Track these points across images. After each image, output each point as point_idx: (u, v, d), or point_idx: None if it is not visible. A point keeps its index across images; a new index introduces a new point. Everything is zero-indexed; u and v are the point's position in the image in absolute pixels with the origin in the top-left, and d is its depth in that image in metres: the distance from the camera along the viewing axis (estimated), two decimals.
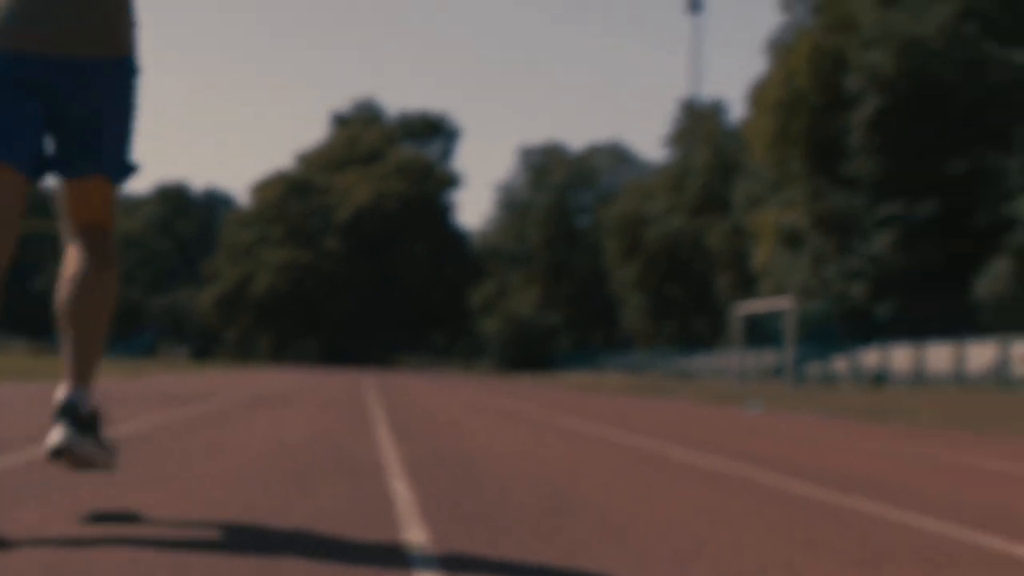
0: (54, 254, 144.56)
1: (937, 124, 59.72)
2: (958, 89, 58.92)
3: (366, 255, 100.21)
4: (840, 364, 54.51)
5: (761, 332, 60.84)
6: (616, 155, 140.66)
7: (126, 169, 4.19)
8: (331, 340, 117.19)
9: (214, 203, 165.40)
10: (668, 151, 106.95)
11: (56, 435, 3.90)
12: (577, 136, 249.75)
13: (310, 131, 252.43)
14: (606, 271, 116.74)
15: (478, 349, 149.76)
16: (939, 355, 46.63)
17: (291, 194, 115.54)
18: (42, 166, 4.06)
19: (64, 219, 4.27)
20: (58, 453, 3.90)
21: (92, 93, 4.00)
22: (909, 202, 57.91)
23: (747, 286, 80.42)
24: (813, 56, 64.52)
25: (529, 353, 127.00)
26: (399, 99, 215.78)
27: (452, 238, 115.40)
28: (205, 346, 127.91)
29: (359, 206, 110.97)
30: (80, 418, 3.96)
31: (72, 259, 4.23)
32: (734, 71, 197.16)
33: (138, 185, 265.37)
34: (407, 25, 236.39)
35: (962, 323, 50.22)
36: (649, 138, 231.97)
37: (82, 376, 4.07)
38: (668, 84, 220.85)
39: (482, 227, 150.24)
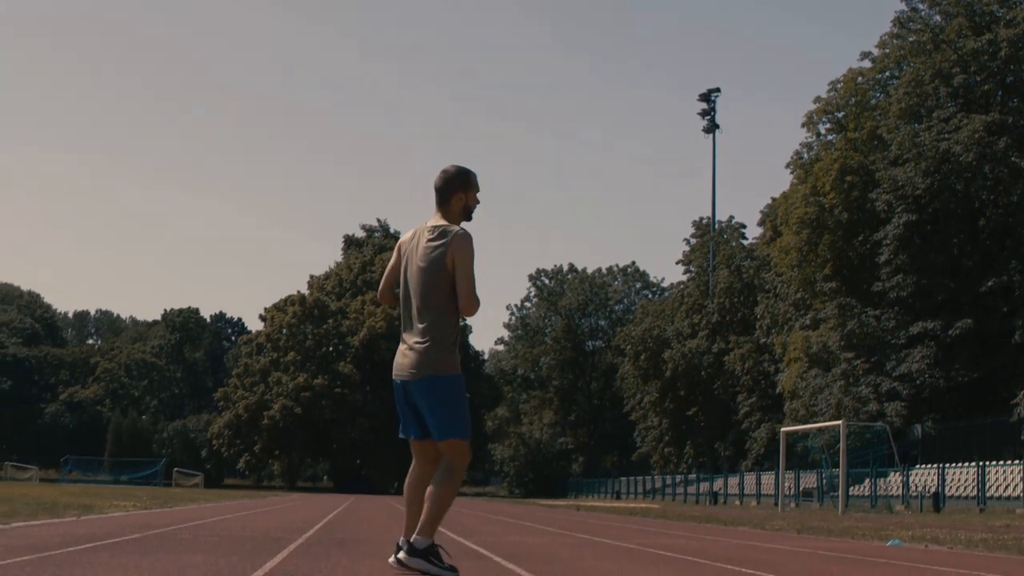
0: (61, 384, 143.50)
1: (968, 240, 58.92)
2: (989, 205, 58.18)
3: (380, 380, 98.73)
4: (882, 486, 53.01)
5: (792, 454, 59.57)
6: (629, 276, 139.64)
7: (443, 435, 7.44)
8: (344, 465, 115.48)
9: (223, 329, 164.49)
10: (683, 272, 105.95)
11: (407, 560, 7.33)
12: (590, 259, 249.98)
13: (322, 256, 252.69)
14: (621, 394, 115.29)
15: (491, 474, 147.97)
16: (999, 476, 45.31)
17: (304, 319, 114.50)
18: (425, 434, 7.58)
19: (424, 451, 7.70)
20: (401, 565, 7.37)
21: (423, 396, 7.50)
22: (943, 319, 56.85)
23: (771, 408, 79.09)
24: (839, 173, 63.92)
25: (542, 478, 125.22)
26: (412, 222, 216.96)
27: (468, 361, 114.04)
28: (217, 472, 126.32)
29: (373, 331, 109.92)
30: (421, 552, 7.33)
31: (420, 469, 7.75)
32: (751, 191, 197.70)
33: (147, 311, 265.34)
34: (419, 149, 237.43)
35: (1006, 442, 48.94)
36: (662, 259, 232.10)
37: (423, 530, 7.39)
38: (683, 205, 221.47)
39: (494, 350, 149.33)
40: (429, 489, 7.45)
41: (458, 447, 7.48)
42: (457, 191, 7.74)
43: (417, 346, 7.52)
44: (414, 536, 7.42)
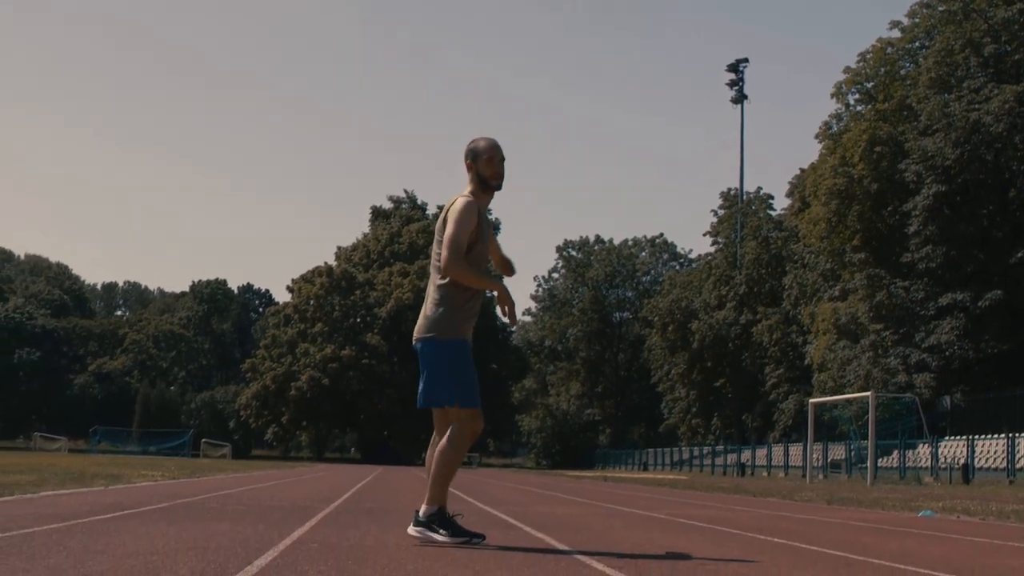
0: (90, 355, 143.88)
1: (998, 211, 58.51)
2: (1019, 175, 57.74)
3: (407, 351, 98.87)
4: (911, 457, 52.83)
5: (820, 425, 59.36)
6: (657, 248, 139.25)
7: (435, 401, 7.67)
8: (371, 436, 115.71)
9: (251, 300, 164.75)
10: (710, 243, 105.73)
11: (411, 529, 7.68)
12: (617, 230, 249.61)
13: (350, 227, 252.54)
14: (648, 365, 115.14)
15: (517, 445, 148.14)
16: None
17: (332, 290, 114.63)
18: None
19: (442, 419, 7.76)
20: (413, 537, 7.63)
21: (423, 358, 7.67)
22: (972, 290, 56.48)
23: (799, 379, 78.89)
24: (868, 143, 63.49)
25: (569, 449, 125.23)
26: (439, 193, 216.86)
27: (495, 333, 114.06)
28: (245, 443, 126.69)
29: (400, 302, 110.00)
30: (423, 521, 7.63)
31: (439, 438, 7.74)
32: (779, 162, 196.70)
33: (175, 283, 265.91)
34: (446, 120, 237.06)
35: None
36: (690, 230, 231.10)
37: (427, 499, 7.64)
38: (711, 176, 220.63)
39: (521, 321, 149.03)
40: (436, 457, 7.64)
41: (458, 415, 7.63)
42: (467, 159, 8.00)
43: (427, 310, 7.78)
44: (420, 506, 7.70)
